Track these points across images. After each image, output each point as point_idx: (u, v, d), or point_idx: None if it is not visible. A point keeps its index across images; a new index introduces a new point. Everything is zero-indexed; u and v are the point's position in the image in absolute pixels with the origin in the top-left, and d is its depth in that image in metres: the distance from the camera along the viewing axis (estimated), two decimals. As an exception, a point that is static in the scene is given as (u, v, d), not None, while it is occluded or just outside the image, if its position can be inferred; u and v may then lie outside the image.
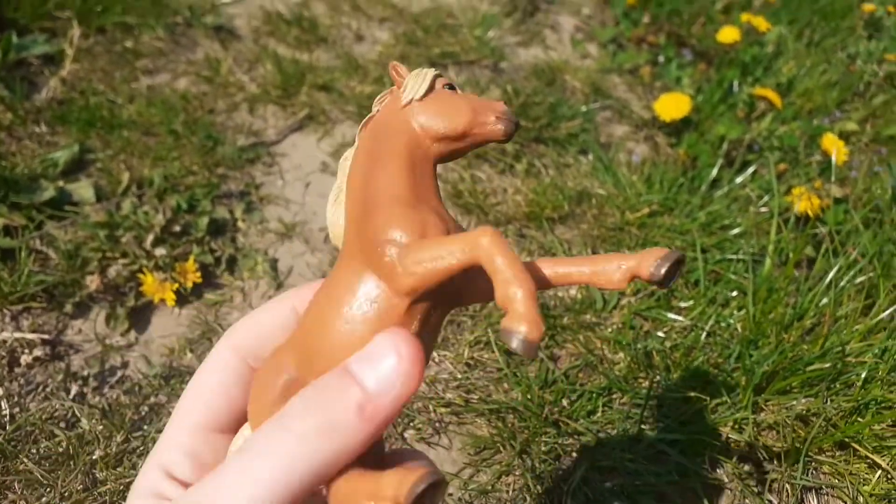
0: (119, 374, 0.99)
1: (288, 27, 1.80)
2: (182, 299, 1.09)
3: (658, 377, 1.04)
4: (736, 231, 1.28)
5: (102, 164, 1.29)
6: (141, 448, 0.90)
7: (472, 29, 1.88)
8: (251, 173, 1.37)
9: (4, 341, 0.98)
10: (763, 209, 1.36)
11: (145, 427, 0.93)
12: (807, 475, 0.95)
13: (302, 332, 0.31)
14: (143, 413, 0.94)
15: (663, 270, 0.30)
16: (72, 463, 0.86)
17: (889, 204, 1.35)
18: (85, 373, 0.98)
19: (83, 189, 1.22)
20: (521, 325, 0.25)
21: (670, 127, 1.60)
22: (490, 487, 0.90)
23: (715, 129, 1.50)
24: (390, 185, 0.31)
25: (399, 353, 0.27)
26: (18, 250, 1.07)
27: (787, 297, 1.13)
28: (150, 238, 1.12)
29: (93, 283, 1.06)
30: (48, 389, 0.95)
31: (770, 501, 0.94)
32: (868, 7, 2.23)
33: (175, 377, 0.99)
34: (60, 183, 1.21)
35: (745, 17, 1.86)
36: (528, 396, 0.99)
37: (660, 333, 1.11)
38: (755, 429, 0.99)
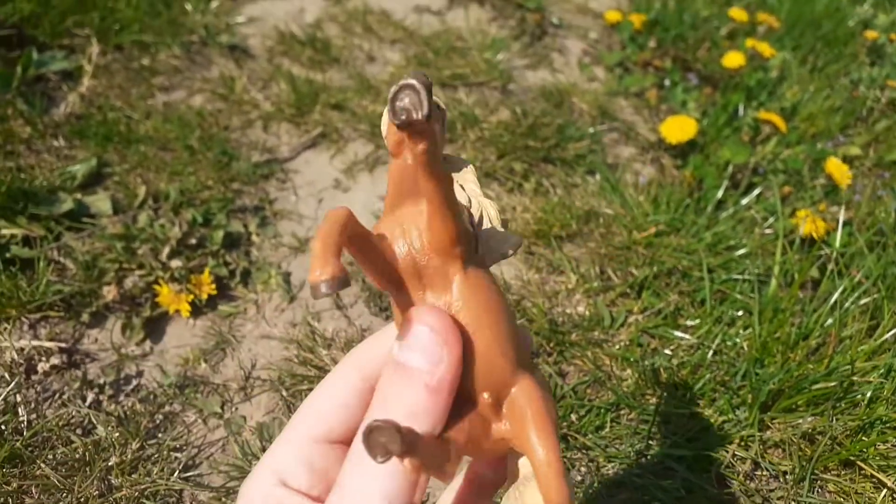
0: (134, 382, 1.01)
1: (301, 47, 1.83)
2: (197, 310, 1.11)
3: (665, 394, 1.05)
4: (741, 252, 1.29)
5: (119, 177, 1.32)
6: (156, 455, 0.91)
7: (481, 52, 1.91)
8: (265, 189, 1.39)
9: (22, 349, 1.00)
10: (768, 231, 1.38)
11: (160, 435, 0.94)
12: (812, 493, 0.96)
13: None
14: (157, 421, 0.96)
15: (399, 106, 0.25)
16: (88, 469, 0.87)
17: (893, 227, 1.36)
18: (101, 381, 0.99)
19: (101, 202, 1.24)
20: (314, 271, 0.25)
21: (676, 149, 1.62)
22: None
23: (720, 153, 1.52)
24: None
25: (430, 326, 0.28)
26: (37, 260, 1.09)
27: (793, 318, 1.15)
28: (166, 250, 1.14)
29: (109, 293, 1.08)
30: (65, 397, 0.96)
31: (776, 519, 0.94)
32: (871, 34, 2.27)
33: (189, 386, 1.01)
34: (78, 195, 1.24)
35: (749, 42, 1.90)
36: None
37: (667, 351, 1.12)
38: (761, 446, 1.00)
